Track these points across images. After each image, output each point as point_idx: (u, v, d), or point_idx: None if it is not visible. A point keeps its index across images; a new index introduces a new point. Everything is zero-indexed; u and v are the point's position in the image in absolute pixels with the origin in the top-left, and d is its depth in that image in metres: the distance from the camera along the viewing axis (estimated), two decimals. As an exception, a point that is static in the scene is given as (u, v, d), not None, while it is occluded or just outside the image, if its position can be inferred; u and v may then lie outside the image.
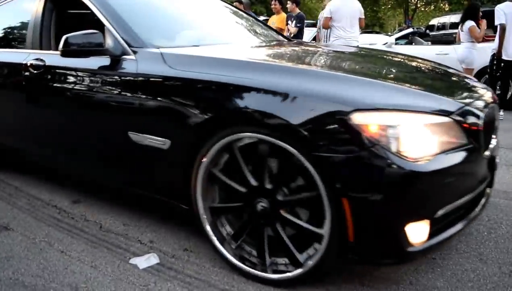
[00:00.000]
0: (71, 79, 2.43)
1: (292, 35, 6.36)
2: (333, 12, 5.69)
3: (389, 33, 21.59)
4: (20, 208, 2.68)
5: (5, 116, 3.03)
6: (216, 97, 1.85)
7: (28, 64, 2.62)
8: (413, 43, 8.79)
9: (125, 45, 2.17)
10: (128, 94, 2.11)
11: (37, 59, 2.60)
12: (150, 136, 2.02)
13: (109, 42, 2.20)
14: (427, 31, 14.87)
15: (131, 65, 2.11)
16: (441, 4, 34.87)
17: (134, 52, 2.14)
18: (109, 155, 2.39)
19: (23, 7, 3.04)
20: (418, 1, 35.05)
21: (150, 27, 2.47)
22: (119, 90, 2.16)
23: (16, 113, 2.89)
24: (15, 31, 3.21)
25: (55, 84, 2.52)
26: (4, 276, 1.96)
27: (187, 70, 1.96)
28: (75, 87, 2.40)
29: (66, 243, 2.23)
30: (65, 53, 2.20)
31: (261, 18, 12.56)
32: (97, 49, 2.20)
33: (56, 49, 2.58)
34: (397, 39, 9.51)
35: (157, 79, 2.02)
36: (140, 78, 2.06)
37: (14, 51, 2.98)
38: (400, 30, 20.35)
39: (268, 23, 5.45)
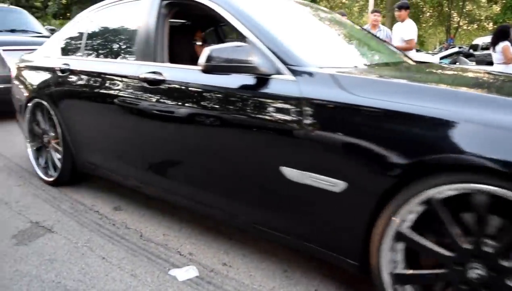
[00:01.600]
0: (199, 98, 2.08)
1: None
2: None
3: (430, 52, 21.19)
4: (64, 211, 2.74)
5: (102, 134, 2.76)
6: (424, 135, 1.43)
7: (142, 77, 2.34)
8: (457, 63, 8.57)
9: (280, 63, 1.83)
10: (284, 120, 1.75)
11: (153, 72, 2.30)
12: (315, 175, 1.67)
13: (255, 59, 1.84)
14: (471, 50, 14.48)
15: (289, 87, 1.75)
16: (485, 23, 34.03)
17: (293, 72, 1.79)
18: (250, 191, 2.01)
19: (127, 12, 2.77)
20: (461, 20, 34.31)
21: (299, 44, 2.05)
22: (269, 115, 1.79)
23: (119, 132, 2.58)
24: (117, 38, 2.87)
25: (177, 103, 2.17)
26: (47, 278, 1.99)
27: (374, 97, 1.55)
28: (204, 108, 2.05)
29: (107, 249, 2.26)
30: (208, 69, 1.92)
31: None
32: (246, 66, 1.84)
33: (171, 61, 2.40)
34: (441, 58, 9.29)
35: (330, 106, 1.64)
36: (306, 103, 1.68)
37: (121, 62, 2.65)
38: (441, 49, 19.94)
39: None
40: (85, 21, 3.10)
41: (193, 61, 2.95)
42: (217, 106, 1.99)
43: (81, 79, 2.80)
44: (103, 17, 2.99)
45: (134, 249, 2.27)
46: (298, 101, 1.71)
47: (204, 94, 2.06)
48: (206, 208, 2.27)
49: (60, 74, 2.97)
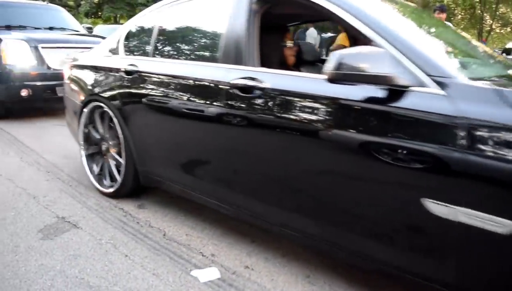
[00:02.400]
0: (318, 111, 1.73)
1: None
2: None
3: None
4: (90, 208, 2.76)
5: (175, 145, 2.46)
6: None
7: (233, 84, 2.01)
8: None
9: (422, 74, 1.51)
10: (432, 143, 1.44)
11: (248, 78, 1.98)
12: (473, 211, 1.36)
13: (390, 67, 1.54)
14: (503, 54, 14.05)
15: (438, 102, 1.44)
16: (520, 27, 33.04)
17: (440, 85, 1.47)
18: (383, 225, 1.66)
19: (208, 8, 2.45)
20: (494, 22, 33.37)
21: (434, 50, 1.75)
22: (409, 134, 1.49)
23: (198, 143, 2.29)
24: (197, 37, 2.52)
25: (282, 115, 1.83)
26: (71, 274, 2.01)
27: None
28: (323, 123, 1.72)
29: (131, 247, 2.27)
30: (337, 78, 1.64)
31: (329, 34, 12.47)
32: (381, 76, 1.53)
33: (263, 65, 2.08)
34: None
35: (498, 130, 1.33)
36: (465, 124, 1.37)
37: (201, 64, 2.29)
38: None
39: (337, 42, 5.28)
40: (156, 17, 2.73)
41: (282, 65, 2.71)
42: (341, 122, 1.68)
43: (152, 82, 2.49)
44: (179, 12, 2.62)
45: (157, 248, 2.27)
46: (453, 121, 1.39)
47: (325, 107, 1.72)
48: (315, 240, 1.92)
49: (125, 76, 2.65)
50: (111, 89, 2.74)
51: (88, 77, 3.02)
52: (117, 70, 2.74)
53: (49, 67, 5.26)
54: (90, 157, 3.13)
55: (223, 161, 2.16)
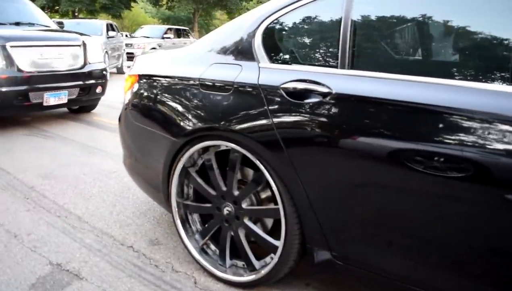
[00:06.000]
0: None
1: None
2: None
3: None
4: (90, 247, 2.22)
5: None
6: None
7: None
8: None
9: None
10: None
11: None
12: None
13: None
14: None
15: None
16: None
17: None
18: None
19: None
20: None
21: None
22: None
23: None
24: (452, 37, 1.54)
25: None
26: None
27: None
28: None
29: (157, 305, 1.76)
30: None
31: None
32: None
33: None
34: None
35: None
36: None
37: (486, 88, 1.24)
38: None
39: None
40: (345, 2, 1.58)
41: None
42: None
43: (365, 114, 1.44)
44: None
45: (191, 304, 1.78)
46: None
47: None
48: None
49: (289, 99, 1.59)
50: (255, 122, 1.68)
51: (188, 97, 1.93)
52: (267, 88, 1.66)
53: (20, 70, 4.55)
54: (185, 219, 2.09)
55: None
